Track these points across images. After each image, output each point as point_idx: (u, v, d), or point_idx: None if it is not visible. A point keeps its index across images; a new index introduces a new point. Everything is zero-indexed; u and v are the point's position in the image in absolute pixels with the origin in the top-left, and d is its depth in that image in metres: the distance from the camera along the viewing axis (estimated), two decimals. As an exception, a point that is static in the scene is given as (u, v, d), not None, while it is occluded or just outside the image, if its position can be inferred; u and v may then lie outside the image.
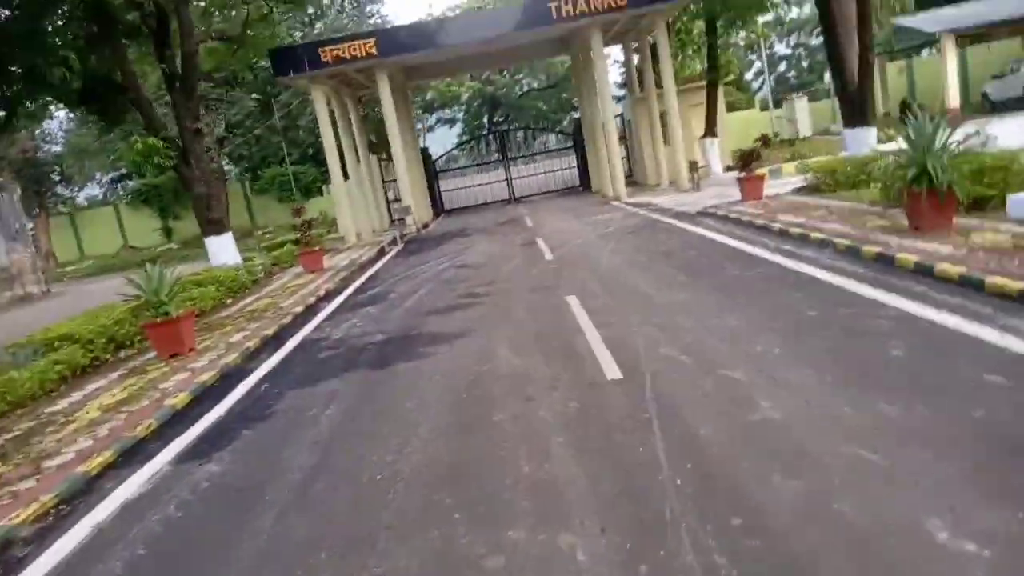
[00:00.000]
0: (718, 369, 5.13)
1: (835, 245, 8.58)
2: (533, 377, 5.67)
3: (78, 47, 14.67)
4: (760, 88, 56.56)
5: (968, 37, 26.18)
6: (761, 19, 27.87)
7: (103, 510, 4.44)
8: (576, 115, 34.85)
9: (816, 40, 55.03)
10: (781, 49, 58.86)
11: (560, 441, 4.34)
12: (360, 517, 3.81)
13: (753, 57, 53.44)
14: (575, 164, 29.24)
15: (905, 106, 27.85)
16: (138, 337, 9.42)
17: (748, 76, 53.43)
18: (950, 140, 7.94)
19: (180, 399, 6.50)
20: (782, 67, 60.28)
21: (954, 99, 24.90)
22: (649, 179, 24.41)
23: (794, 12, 46.36)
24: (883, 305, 6.02)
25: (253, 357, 8.11)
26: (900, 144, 8.60)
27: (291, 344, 8.53)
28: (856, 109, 14.14)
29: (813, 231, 9.47)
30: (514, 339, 6.95)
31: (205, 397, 6.74)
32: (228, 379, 7.26)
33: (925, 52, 32.96)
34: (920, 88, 29.97)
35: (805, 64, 60.19)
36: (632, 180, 25.38)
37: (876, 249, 7.72)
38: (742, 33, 29.17)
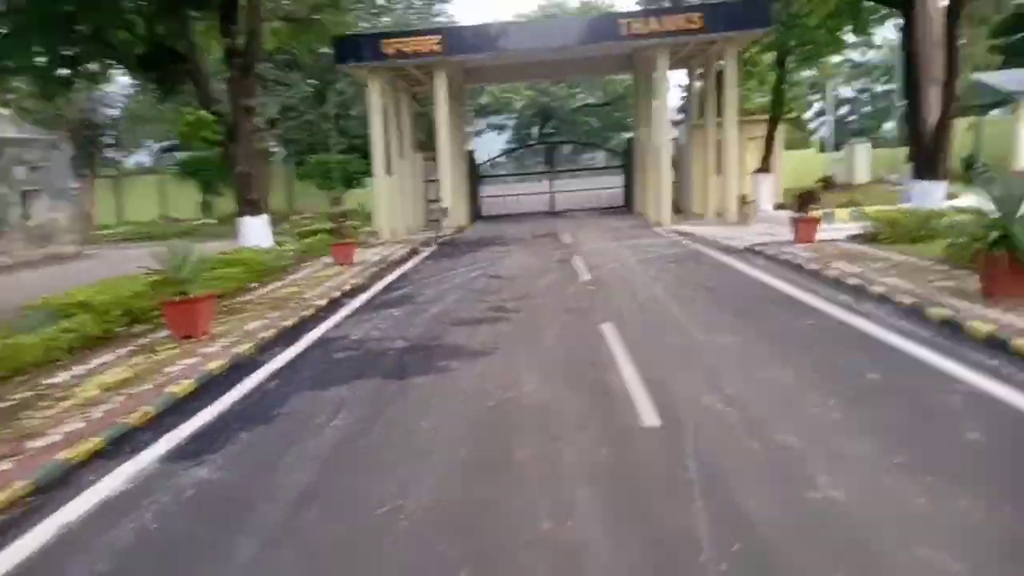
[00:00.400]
0: (768, 431, 4.59)
1: (896, 302, 7.96)
2: (561, 412, 5.18)
3: (146, 13, 14.64)
4: (817, 129, 55.48)
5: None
6: (833, 59, 27.12)
7: (76, 508, 4.04)
8: (628, 135, 34.32)
9: (881, 87, 53.83)
10: (844, 92, 57.64)
11: (587, 495, 3.84)
12: (353, 563, 3.34)
13: (814, 98, 52.36)
14: (620, 184, 28.71)
15: (970, 164, 26.90)
16: (155, 312, 9.13)
17: (807, 116, 52.39)
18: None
19: (184, 387, 6.14)
20: (843, 110, 59.02)
21: (1023, 162, 23.95)
22: (695, 208, 23.77)
23: (862, 56, 45.31)
24: (954, 378, 5.42)
25: (267, 349, 7.74)
26: (974, 202, 7.98)
27: (308, 339, 8.15)
28: (929, 161, 13.42)
29: (872, 284, 8.86)
30: (543, 365, 6.47)
31: (210, 387, 6.36)
32: (237, 370, 6.89)
33: (995, 112, 31.85)
34: (986, 147, 28.85)
35: (867, 110, 58.91)
36: (678, 207, 24.73)
37: (944, 312, 7.10)
38: (807, 73, 28.44)
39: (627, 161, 27.89)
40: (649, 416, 4.96)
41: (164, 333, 8.40)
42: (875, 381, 5.47)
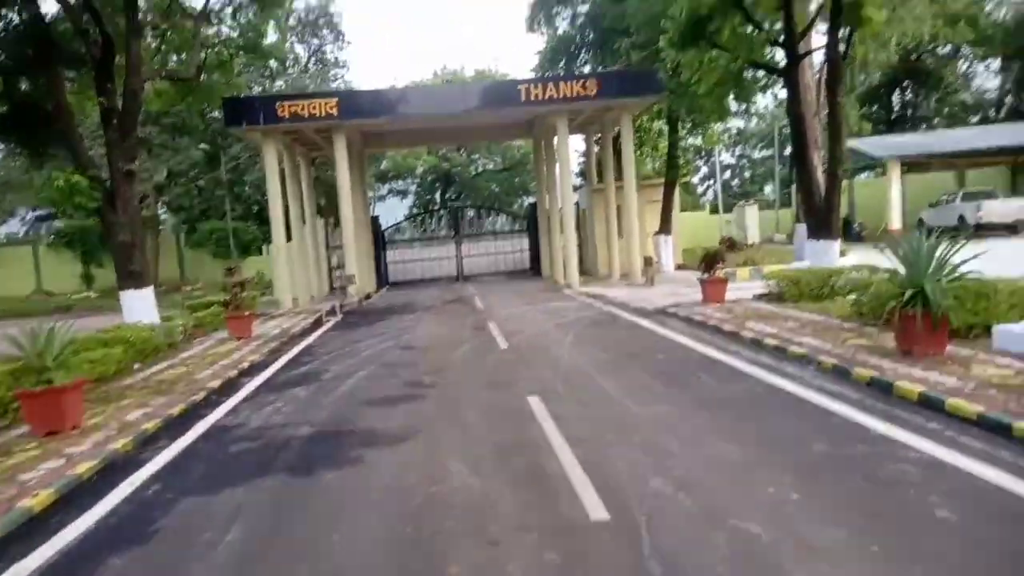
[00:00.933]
0: (729, 518, 4.16)
1: (820, 363, 7.91)
2: (497, 508, 4.57)
3: (6, 67, 13.41)
4: (704, 193, 58.65)
5: (908, 165, 27.41)
6: (719, 127, 28.70)
7: None
8: (530, 199, 34.71)
9: (759, 153, 57.79)
10: (726, 159, 61.43)
11: (541, 620, 3.24)
12: None
13: (700, 163, 55.49)
14: (526, 247, 28.82)
15: (847, 223, 28.79)
16: (15, 404, 7.86)
17: (695, 180, 55.41)
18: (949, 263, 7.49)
19: (41, 499, 5.09)
20: (726, 175, 62.73)
21: (896, 221, 25.81)
22: (601, 270, 24.04)
23: (741, 124, 48.74)
24: (901, 444, 5.23)
25: (149, 443, 6.71)
26: (866, 260, 8.16)
27: (199, 429, 7.16)
28: (822, 222, 14.01)
29: (791, 345, 8.83)
30: (469, 449, 5.85)
31: (75, 497, 5.32)
32: (111, 472, 5.85)
33: (864, 175, 34.55)
34: (860, 208, 31.08)
35: (747, 174, 62.91)
36: (583, 269, 24.95)
37: (870, 373, 7.05)
38: (691, 140, 30.00)
39: (531, 225, 28.09)
40: (596, 507, 4.43)
41: (25, 429, 7.18)
42: (824, 452, 5.20)
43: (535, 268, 27.71)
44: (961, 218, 24.40)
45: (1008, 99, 36.94)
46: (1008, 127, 28.58)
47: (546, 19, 29.89)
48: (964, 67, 38.49)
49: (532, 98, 19.20)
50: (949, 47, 34.51)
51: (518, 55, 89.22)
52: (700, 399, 6.96)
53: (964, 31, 32.10)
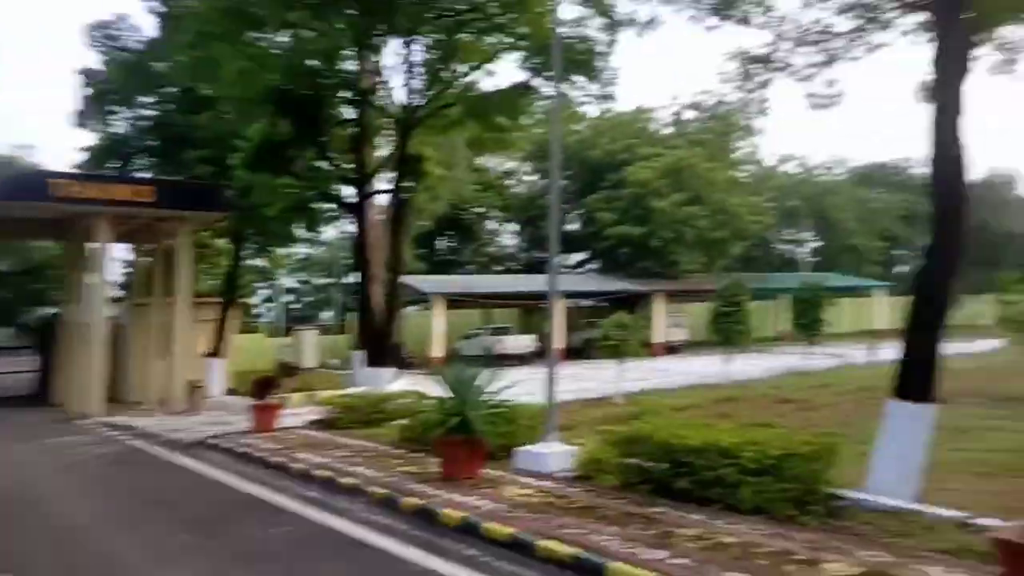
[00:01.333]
0: None
1: (369, 495, 7.67)
2: None
3: None
4: (262, 315, 57.40)
5: (450, 302, 31.14)
6: (284, 251, 28.69)
7: None
8: (50, 310, 29.06)
9: (321, 280, 59.63)
10: (288, 282, 61.68)
11: None
12: None
13: (261, 285, 54.47)
14: (38, 368, 23.68)
15: (398, 351, 30.99)
16: None
17: (254, 301, 53.90)
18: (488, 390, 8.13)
19: None
20: (287, 298, 62.76)
21: (440, 350, 28.67)
22: (136, 396, 20.84)
23: (307, 250, 49.93)
24: (444, 579, 5.13)
25: None
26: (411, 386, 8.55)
27: None
28: (377, 349, 14.57)
29: (341, 476, 8.47)
30: None
31: None
32: None
33: (412, 308, 38.07)
34: (408, 337, 33.78)
35: (308, 299, 64.06)
36: (115, 395, 21.30)
37: (416, 502, 7.06)
38: (255, 261, 29.50)
39: (46, 341, 23.33)
40: None
41: None
42: (370, 601, 4.76)
43: (48, 393, 22.75)
44: (487, 349, 28.29)
45: (524, 254, 45.44)
46: (524, 277, 34.94)
47: (101, 116, 26.66)
48: (493, 225, 46.45)
49: (65, 195, 16.32)
50: (483, 208, 41.51)
51: (60, 148, 76.65)
52: (238, 552, 5.97)
53: (494, 197, 39.37)
